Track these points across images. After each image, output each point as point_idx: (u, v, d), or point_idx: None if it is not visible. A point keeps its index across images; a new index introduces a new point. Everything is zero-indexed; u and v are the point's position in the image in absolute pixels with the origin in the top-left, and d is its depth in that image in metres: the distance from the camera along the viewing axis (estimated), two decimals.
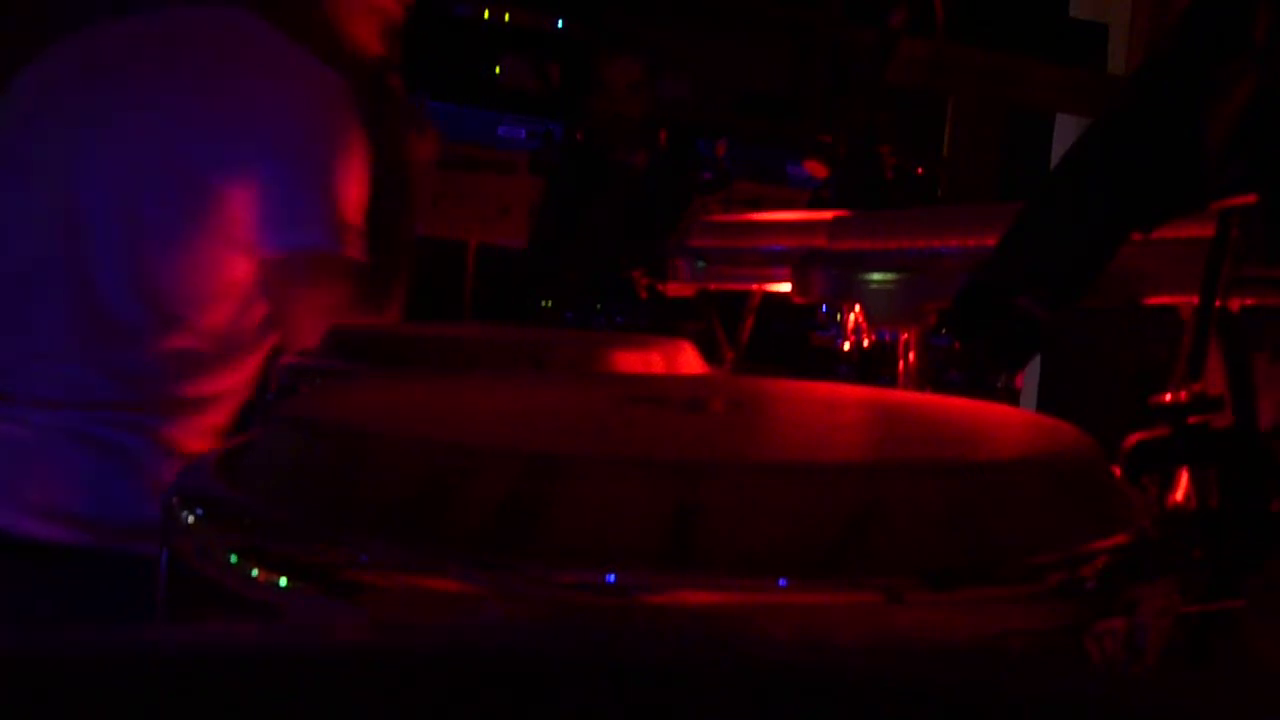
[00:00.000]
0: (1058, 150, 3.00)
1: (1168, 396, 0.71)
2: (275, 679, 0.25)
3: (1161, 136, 0.67)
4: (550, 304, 2.44)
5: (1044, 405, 1.71)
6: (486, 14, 2.86)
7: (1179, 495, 0.69)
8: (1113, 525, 0.50)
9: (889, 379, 1.17)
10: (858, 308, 1.27)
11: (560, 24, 2.88)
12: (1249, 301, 0.75)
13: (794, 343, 1.84)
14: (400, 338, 1.06)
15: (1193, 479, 0.69)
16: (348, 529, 0.46)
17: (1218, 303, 0.72)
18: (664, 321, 1.58)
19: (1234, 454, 0.69)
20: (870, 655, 0.28)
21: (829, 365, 1.72)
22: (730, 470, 0.47)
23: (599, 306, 2.16)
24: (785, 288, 1.28)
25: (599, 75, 2.70)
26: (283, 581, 0.45)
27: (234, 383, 1.28)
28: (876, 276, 1.12)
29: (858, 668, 0.26)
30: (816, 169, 2.34)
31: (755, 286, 1.47)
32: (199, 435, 1.26)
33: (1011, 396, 1.83)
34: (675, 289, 1.54)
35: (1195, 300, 0.72)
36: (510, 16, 2.86)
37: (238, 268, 1.23)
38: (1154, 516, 0.55)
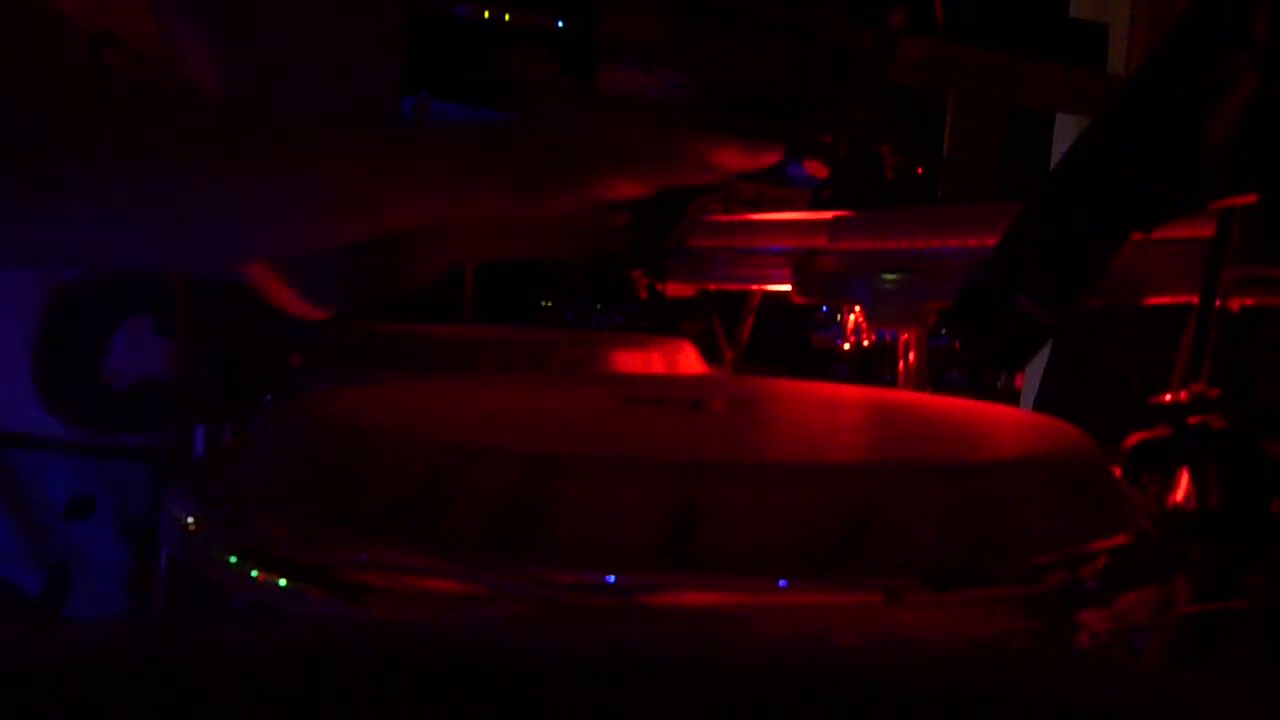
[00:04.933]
0: (1058, 150, 3.00)
1: (1168, 396, 0.71)
2: (275, 679, 0.25)
3: (1161, 136, 0.67)
4: (550, 304, 2.44)
5: (1044, 405, 1.71)
6: (486, 14, 2.85)
7: (1179, 495, 0.69)
8: (1113, 525, 0.50)
9: (889, 379, 1.17)
10: (858, 308, 1.26)
11: (560, 24, 2.88)
12: (1249, 301, 0.75)
13: (794, 343, 1.83)
14: (400, 338, 1.06)
15: (1193, 479, 0.69)
16: (348, 529, 0.46)
17: (1218, 303, 0.72)
18: (664, 321, 1.58)
19: (1234, 454, 0.69)
20: (870, 655, 0.28)
21: (829, 365, 1.72)
22: (730, 471, 0.47)
23: (599, 306, 2.16)
24: (785, 288, 1.28)
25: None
26: (282, 581, 0.45)
27: None
28: (876, 276, 1.12)
29: (858, 668, 0.26)
30: (816, 169, 2.33)
31: (755, 286, 1.47)
32: None
33: (1011, 396, 1.83)
34: (675, 289, 1.54)
35: (1195, 300, 0.72)
36: (510, 16, 2.86)
37: None
38: (1154, 516, 0.55)
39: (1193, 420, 0.70)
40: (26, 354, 1.01)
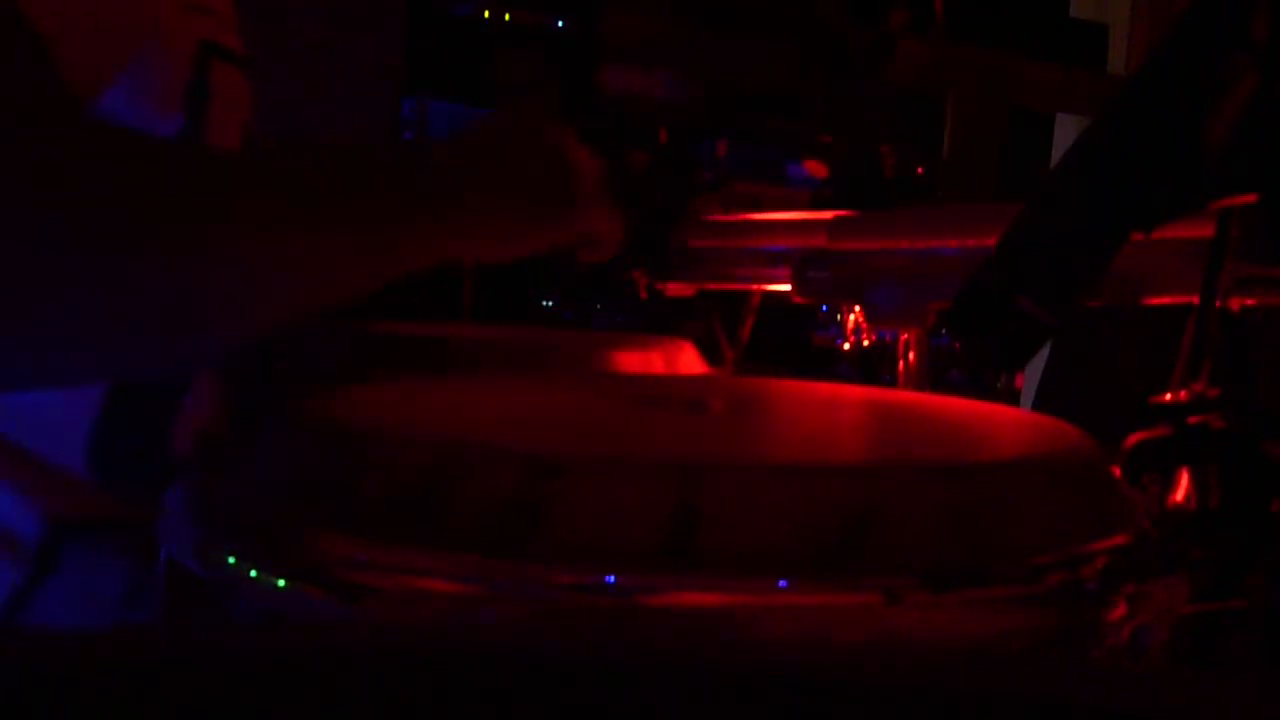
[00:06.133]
0: (1058, 150, 3.00)
1: (1168, 396, 0.71)
2: (275, 679, 0.25)
3: (1162, 136, 0.67)
4: (550, 304, 2.44)
5: (1044, 405, 1.71)
6: (487, 14, 2.86)
7: (1179, 495, 0.69)
8: (1113, 525, 0.50)
9: (889, 379, 1.17)
10: (858, 308, 1.26)
11: (560, 24, 2.88)
12: (1249, 301, 0.75)
13: (794, 343, 1.83)
14: (400, 338, 1.06)
15: (1193, 479, 0.69)
16: (348, 529, 0.46)
17: (1218, 303, 0.72)
18: (664, 321, 1.58)
19: (1234, 454, 0.69)
20: (870, 655, 0.28)
21: (829, 365, 1.72)
22: (730, 471, 0.47)
23: (599, 306, 2.16)
24: (785, 288, 1.28)
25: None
26: (282, 582, 0.45)
27: None
28: (876, 276, 1.12)
29: (858, 668, 0.26)
30: (816, 169, 2.33)
31: (755, 286, 1.47)
32: None
33: (1011, 396, 1.83)
34: (675, 289, 1.54)
35: (1195, 300, 0.72)
36: (510, 16, 2.87)
37: None
38: (1154, 516, 0.55)
39: (1193, 420, 0.70)
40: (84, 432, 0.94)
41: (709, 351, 1.27)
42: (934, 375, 1.16)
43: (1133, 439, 0.70)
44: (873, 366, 1.56)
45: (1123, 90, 0.71)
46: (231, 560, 0.47)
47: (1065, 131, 2.95)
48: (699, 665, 0.26)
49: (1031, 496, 0.48)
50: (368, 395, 0.67)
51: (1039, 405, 1.67)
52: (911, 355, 1.10)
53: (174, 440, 0.85)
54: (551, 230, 0.79)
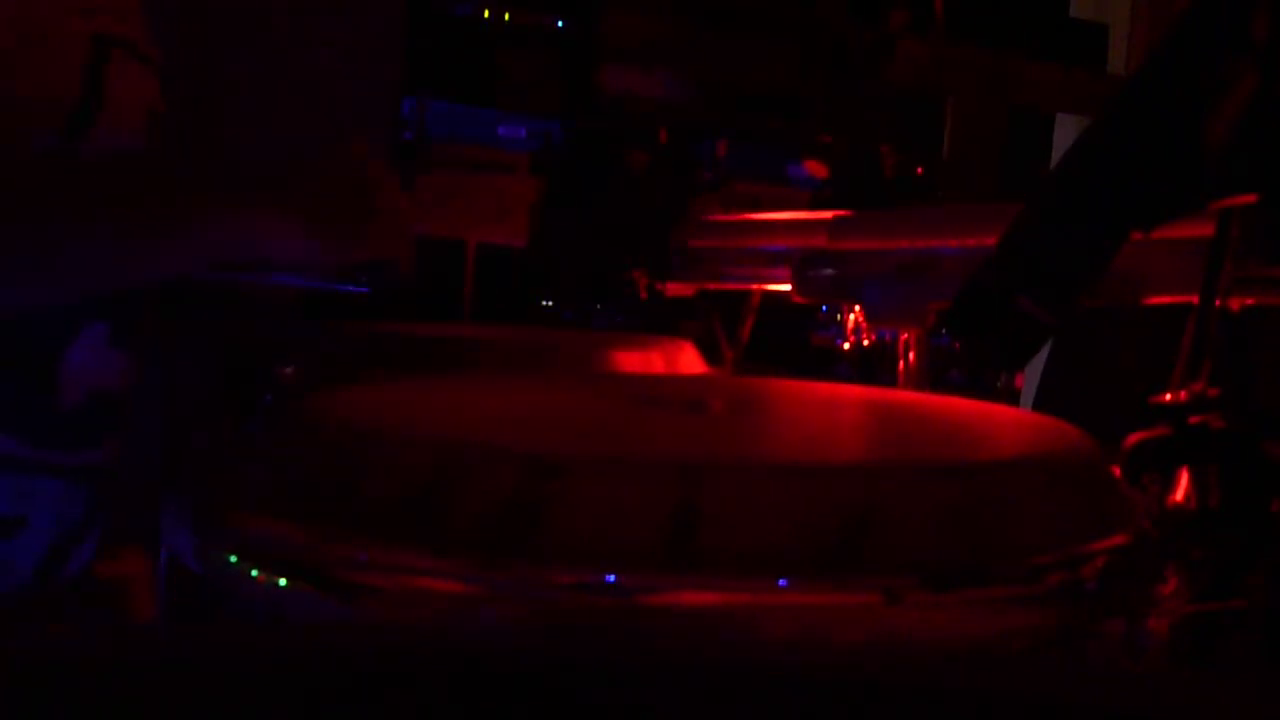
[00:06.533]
0: (1058, 150, 3.00)
1: (1168, 396, 0.71)
2: (275, 679, 0.25)
3: (1162, 136, 0.67)
4: (550, 304, 2.44)
5: (1044, 405, 1.71)
6: (487, 14, 2.86)
7: (1179, 495, 0.69)
8: (1113, 525, 0.50)
9: (889, 379, 1.17)
10: (858, 308, 1.27)
11: (560, 24, 2.88)
12: (1249, 301, 0.75)
13: (794, 343, 1.84)
14: (400, 338, 1.06)
15: (1193, 479, 0.69)
16: (348, 529, 0.46)
17: (1218, 303, 0.72)
18: (664, 321, 1.58)
19: (1234, 454, 0.69)
20: (870, 655, 0.28)
21: (829, 365, 1.72)
22: (730, 471, 0.47)
23: (599, 306, 2.16)
24: (785, 288, 1.28)
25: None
26: (282, 581, 0.45)
27: None
28: (876, 277, 1.12)
29: (858, 668, 0.26)
30: (816, 169, 2.34)
31: (755, 286, 1.47)
32: None
33: (1011, 396, 1.84)
34: (675, 289, 1.54)
35: (1195, 300, 0.72)
36: (510, 16, 2.87)
37: None
38: (1154, 516, 0.55)
39: (1193, 420, 0.70)
40: None
41: (709, 351, 1.27)
42: (934, 375, 1.17)
43: (1133, 439, 0.70)
44: (873, 366, 1.56)
45: (1123, 90, 0.71)
46: (232, 560, 0.47)
47: (1065, 131, 2.95)
48: (699, 665, 0.26)
49: (1031, 496, 0.48)
50: (368, 395, 0.67)
51: (1039, 405, 1.67)
52: (911, 355, 1.10)
53: (61, 393, 0.89)
54: (343, 244, 0.94)
